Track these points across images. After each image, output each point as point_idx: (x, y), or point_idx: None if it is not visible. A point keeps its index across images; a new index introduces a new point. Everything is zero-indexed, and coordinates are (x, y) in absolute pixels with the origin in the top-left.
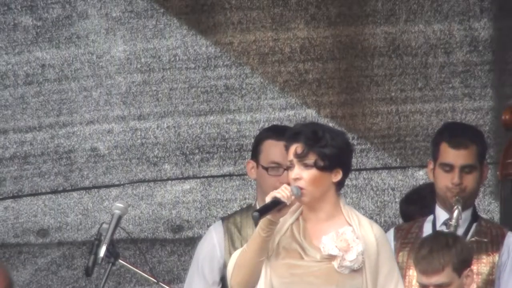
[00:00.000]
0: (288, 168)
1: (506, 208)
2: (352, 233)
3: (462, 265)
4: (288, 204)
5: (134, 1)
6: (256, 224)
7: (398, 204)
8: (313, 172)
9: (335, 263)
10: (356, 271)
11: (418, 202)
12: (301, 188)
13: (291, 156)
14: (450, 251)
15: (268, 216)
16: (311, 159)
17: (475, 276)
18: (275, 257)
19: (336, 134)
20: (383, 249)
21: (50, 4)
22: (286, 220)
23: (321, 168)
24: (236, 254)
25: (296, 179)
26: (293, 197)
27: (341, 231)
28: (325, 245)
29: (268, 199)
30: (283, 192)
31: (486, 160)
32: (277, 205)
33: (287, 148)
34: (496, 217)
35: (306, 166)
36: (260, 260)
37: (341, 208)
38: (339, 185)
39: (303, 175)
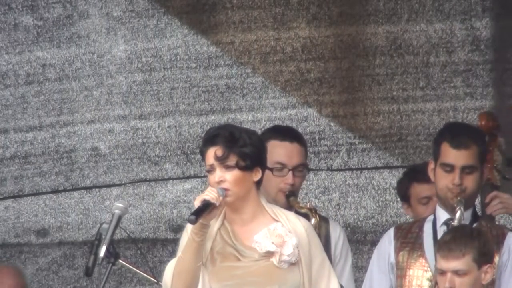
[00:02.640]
0: (208, 171)
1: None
2: (283, 228)
3: (483, 259)
4: (217, 205)
5: (135, 1)
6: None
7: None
8: (236, 172)
9: (274, 260)
10: (294, 264)
11: None
12: (226, 189)
13: (211, 160)
14: (473, 242)
15: (200, 220)
16: (232, 160)
17: None
18: (211, 263)
19: (252, 133)
20: (313, 240)
21: (51, 4)
22: (213, 225)
23: (243, 168)
24: (172, 264)
25: (220, 182)
26: (221, 198)
27: (272, 227)
28: (260, 243)
29: (197, 202)
30: (211, 194)
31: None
32: (208, 207)
33: (203, 153)
34: (497, 217)
35: (228, 167)
36: (198, 265)
37: (264, 206)
38: (259, 183)
39: (226, 177)
